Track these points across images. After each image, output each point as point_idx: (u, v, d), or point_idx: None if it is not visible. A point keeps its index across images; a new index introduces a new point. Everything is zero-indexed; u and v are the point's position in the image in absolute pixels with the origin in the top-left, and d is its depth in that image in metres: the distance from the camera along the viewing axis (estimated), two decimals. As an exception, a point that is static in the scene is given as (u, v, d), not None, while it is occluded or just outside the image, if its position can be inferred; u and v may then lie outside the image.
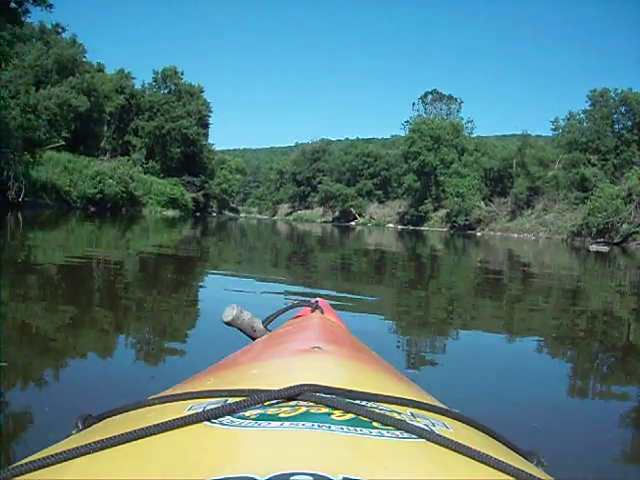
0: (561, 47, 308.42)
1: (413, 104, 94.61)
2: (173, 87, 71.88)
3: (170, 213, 56.08)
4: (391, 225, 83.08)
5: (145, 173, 60.87)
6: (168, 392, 1.03)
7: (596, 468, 2.84)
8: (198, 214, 64.97)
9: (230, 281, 9.67)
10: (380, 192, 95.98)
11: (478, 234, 59.11)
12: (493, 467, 0.68)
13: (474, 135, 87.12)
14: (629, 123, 56.70)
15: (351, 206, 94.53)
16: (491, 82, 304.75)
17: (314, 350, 1.23)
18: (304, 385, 0.81)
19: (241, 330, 2.24)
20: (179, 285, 9.18)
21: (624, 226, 41.64)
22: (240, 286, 8.79)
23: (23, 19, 32.64)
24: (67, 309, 6.22)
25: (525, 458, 0.93)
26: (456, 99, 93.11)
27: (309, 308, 2.10)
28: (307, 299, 2.21)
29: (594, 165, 52.88)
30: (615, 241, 41.71)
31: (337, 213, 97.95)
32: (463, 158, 76.29)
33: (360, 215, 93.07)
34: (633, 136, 55.13)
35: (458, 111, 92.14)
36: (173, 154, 67.76)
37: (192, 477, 0.61)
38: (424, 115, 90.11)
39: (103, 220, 32.60)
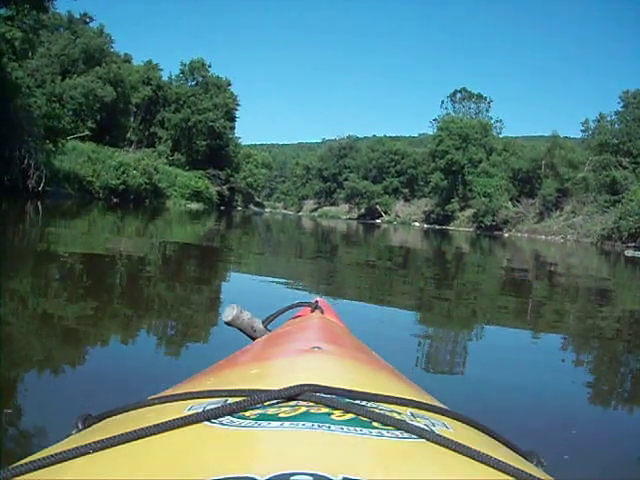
0: (593, 47, 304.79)
1: (442, 102, 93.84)
2: (200, 79, 71.25)
3: (194, 206, 55.53)
4: (417, 224, 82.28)
5: (170, 165, 60.46)
6: (168, 392, 1.04)
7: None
8: (223, 208, 64.40)
9: (245, 282, 9.42)
10: (406, 190, 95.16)
11: (505, 235, 58.10)
12: (493, 467, 0.68)
13: (502, 135, 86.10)
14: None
15: (377, 203, 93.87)
16: (520, 82, 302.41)
17: (314, 350, 1.23)
18: (304, 385, 0.81)
19: (241, 330, 2.22)
20: (193, 283, 8.87)
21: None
22: (252, 288, 8.57)
23: (48, 5, 32.22)
24: (72, 303, 6.07)
25: (525, 458, 0.93)
26: (485, 98, 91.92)
27: (309, 308, 2.11)
28: (307, 299, 2.22)
29: (625, 168, 51.62)
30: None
31: (362, 210, 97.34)
32: (491, 158, 75.28)
33: (386, 213, 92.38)
34: (665, 139, 53.56)
35: (487, 110, 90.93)
36: (199, 147, 67.26)
37: (192, 477, 0.61)
38: (452, 114, 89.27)
39: (126, 211, 32.31)
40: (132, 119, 64.29)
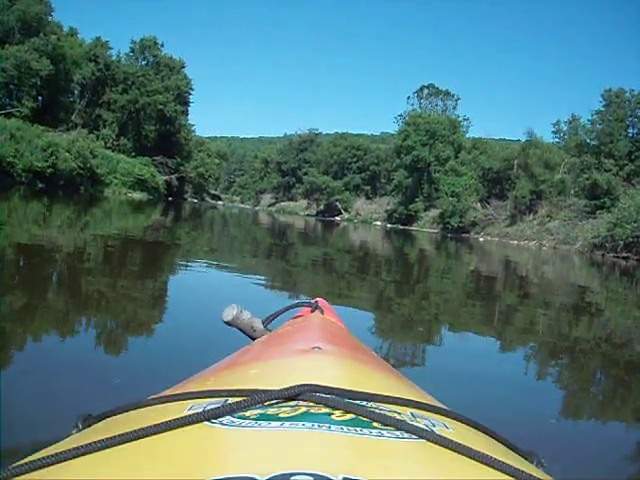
0: (565, 51, 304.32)
1: (408, 98, 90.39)
2: (152, 59, 66.36)
3: (137, 196, 50.85)
4: (378, 223, 78.49)
5: (114, 151, 55.61)
6: (168, 392, 1.06)
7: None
8: (170, 199, 59.78)
9: (192, 284, 8.90)
10: (368, 187, 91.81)
11: (481, 239, 54.05)
12: (493, 467, 0.69)
13: (471, 136, 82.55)
14: (646, 127, 51.58)
15: (337, 200, 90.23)
16: (491, 84, 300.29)
17: (314, 350, 1.25)
18: (304, 385, 0.83)
19: (241, 330, 2.20)
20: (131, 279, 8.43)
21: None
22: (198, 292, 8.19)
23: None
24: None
25: (525, 458, 0.95)
26: (453, 95, 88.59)
27: (309, 308, 2.12)
28: (307, 299, 2.25)
29: (608, 170, 47.85)
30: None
31: (322, 207, 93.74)
32: (461, 156, 71.58)
33: (346, 210, 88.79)
34: (650, 141, 50.00)
35: (454, 108, 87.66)
36: (147, 132, 62.44)
37: (192, 477, 0.62)
38: (419, 110, 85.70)
39: (54, 199, 29.23)
40: (78, 100, 59.66)
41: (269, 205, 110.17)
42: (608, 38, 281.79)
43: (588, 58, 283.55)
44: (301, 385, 0.81)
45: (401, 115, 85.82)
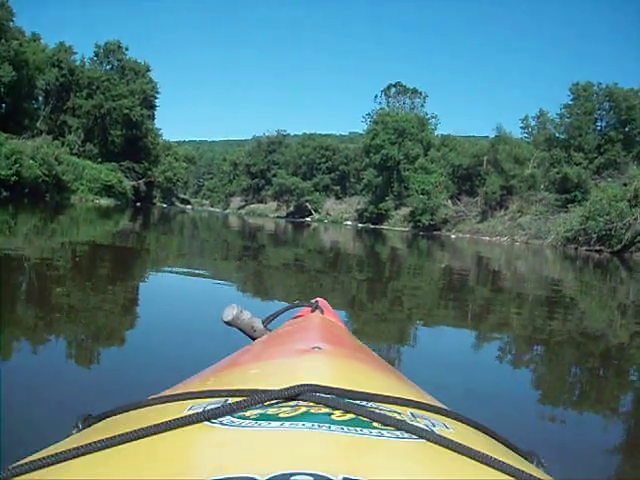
0: (532, 46, 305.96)
1: (375, 97, 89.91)
2: (116, 63, 65.60)
3: (104, 202, 50.22)
4: (349, 223, 78.34)
5: (80, 157, 54.75)
6: (168, 392, 1.06)
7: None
8: (139, 204, 59.06)
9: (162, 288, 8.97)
10: (338, 187, 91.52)
11: (452, 236, 53.97)
12: (493, 467, 0.69)
13: (439, 133, 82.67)
14: (613, 121, 51.84)
15: (307, 201, 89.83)
16: (458, 82, 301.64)
17: (314, 350, 1.24)
18: (304, 385, 0.83)
19: (241, 330, 2.19)
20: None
21: (627, 233, 36.38)
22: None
23: None
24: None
25: (525, 458, 0.95)
26: (420, 93, 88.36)
27: (309, 308, 2.12)
28: (307, 300, 2.25)
29: (578, 164, 47.92)
30: (615, 249, 36.78)
31: (292, 208, 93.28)
32: (430, 153, 71.52)
33: (316, 211, 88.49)
34: (618, 134, 50.30)
35: (422, 105, 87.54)
36: (114, 137, 61.77)
37: (192, 477, 0.62)
38: (387, 108, 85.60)
39: (19, 207, 28.96)
40: (43, 106, 58.73)
41: (239, 208, 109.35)
42: (575, 33, 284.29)
43: (555, 53, 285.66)
44: (301, 385, 0.81)
45: (369, 114, 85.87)
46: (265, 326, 2.17)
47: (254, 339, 2.10)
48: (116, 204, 51.49)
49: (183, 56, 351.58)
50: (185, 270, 11.73)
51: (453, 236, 53.70)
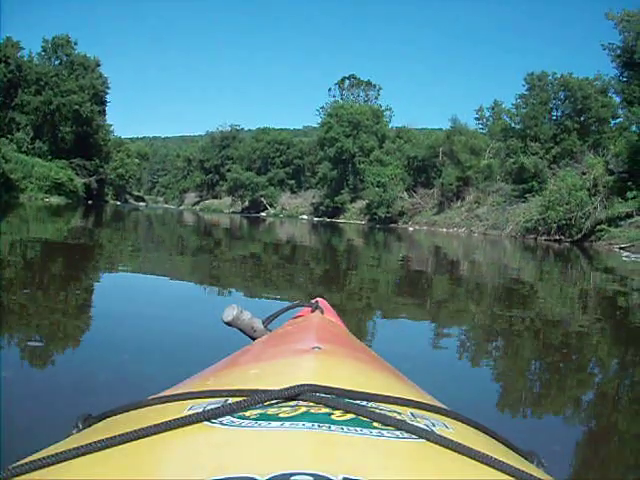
0: (485, 37, 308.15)
1: (329, 89, 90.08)
2: (65, 58, 64.20)
3: (55, 200, 49.07)
4: (305, 217, 78.25)
5: (29, 155, 53.50)
6: (168, 392, 1.06)
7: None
8: (90, 202, 57.84)
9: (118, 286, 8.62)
10: (293, 182, 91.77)
11: (410, 228, 53.82)
12: (493, 467, 0.69)
13: (394, 125, 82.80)
14: (569, 110, 52.03)
15: (262, 196, 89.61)
16: (411, 74, 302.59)
17: (314, 350, 1.24)
18: (304, 385, 0.83)
19: (241, 330, 2.20)
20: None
21: (587, 222, 36.60)
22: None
23: None
24: None
25: (525, 458, 0.95)
26: (374, 85, 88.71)
27: (309, 308, 2.12)
28: (307, 300, 2.24)
29: (534, 154, 48.09)
30: (575, 238, 36.99)
31: (247, 203, 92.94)
32: (385, 145, 71.64)
33: (271, 205, 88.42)
34: (574, 124, 50.43)
35: (376, 98, 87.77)
36: (63, 134, 60.45)
37: (192, 477, 0.62)
38: (341, 101, 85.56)
39: None
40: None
41: (193, 204, 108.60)
42: (529, 22, 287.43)
43: (509, 44, 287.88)
44: (301, 385, 0.81)
45: (323, 107, 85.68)
46: (265, 326, 2.18)
47: (254, 339, 2.10)
48: (67, 202, 50.29)
49: (134, 51, 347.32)
50: (139, 267, 11.42)
51: (410, 228, 53.66)
